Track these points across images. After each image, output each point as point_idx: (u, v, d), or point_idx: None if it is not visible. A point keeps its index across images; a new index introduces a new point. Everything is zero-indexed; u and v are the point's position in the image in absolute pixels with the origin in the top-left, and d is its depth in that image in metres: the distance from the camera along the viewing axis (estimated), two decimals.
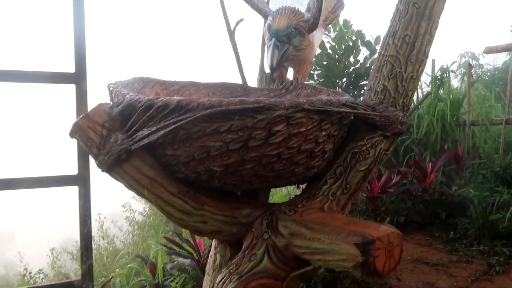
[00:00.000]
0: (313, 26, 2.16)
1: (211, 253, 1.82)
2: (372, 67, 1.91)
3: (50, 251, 5.20)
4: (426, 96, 4.19)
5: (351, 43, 4.88)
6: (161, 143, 1.42)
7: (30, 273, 3.34)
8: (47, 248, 5.63)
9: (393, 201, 3.16)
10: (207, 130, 1.32)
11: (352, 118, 1.62)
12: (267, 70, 2.18)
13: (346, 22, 4.87)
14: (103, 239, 7.08)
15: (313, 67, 4.80)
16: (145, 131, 1.40)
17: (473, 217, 2.83)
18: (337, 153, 1.63)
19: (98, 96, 1.73)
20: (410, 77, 1.68)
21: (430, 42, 1.73)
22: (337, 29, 4.89)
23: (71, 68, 1.54)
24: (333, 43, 4.84)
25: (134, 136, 1.42)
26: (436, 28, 1.75)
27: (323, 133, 1.44)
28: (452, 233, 2.86)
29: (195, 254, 2.90)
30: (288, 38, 2.07)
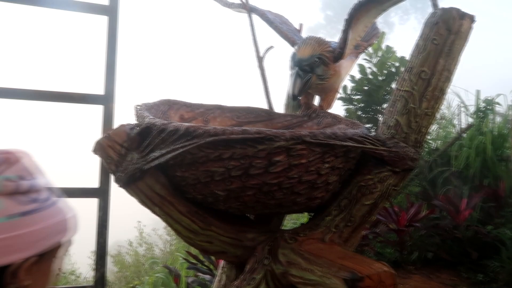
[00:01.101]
0: (338, 56, 2.19)
1: (218, 272, 1.88)
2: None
3: (90, 253, 5.49)
4: (467, 128, 4.02)
5: (393, 69, 4.81)
6: (172, 164, 1.52)
7: (64, 273, 3.57)
8: (90, 250, 5.95)
9: (422, 235, 3.04)
10: (211, 156, 1.40)
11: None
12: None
13: (388, 48, 4.82)
14: (141, 246, 7.33)
15: (353, 92, 4.78)
16: (157, 153, 1.50)
17: (505, 261, 2.66)
18: (344, 185, 1.64)
19: (126, 115, 1.87)
20: (425, 114, 1.66)
21: (448, 79, 1.70)
22: (379, 54, 4.85)
23: (100, 88, 1.70)
24: (375, 69, 4.80)
25: (148, 157, 1.53)
26: (455, 65, 1.72)
27: (326, 165, 1.46)
28: (481, 275, 2.69)
29: (215, 271, 2.97)
30: (311, 68, 2.12)
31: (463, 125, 4.49)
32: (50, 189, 0.61)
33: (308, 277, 1.36)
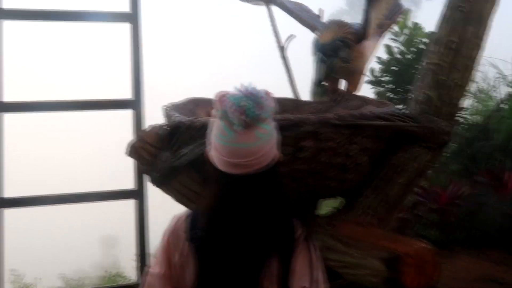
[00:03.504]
0: (361, 37, 2.14)
1: None
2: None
3: (135, 255, 5.66)
4: (507, 98, 3.82)
5: (422, 46, 4.65)
6: (203, 160, 1.53)
7: (113, 276, 3.73)
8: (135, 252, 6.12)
9: (466, 213, 2.93)
10: None
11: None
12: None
13: (415, 25, 4.66)
14: None
15: (381, 74, 4.66)
16: (186, 149, 1.53)
17: None
18: (377, 165, 1.61)
19: (156, 117, 1.92)
20: (456, 85, 1.60)
21: (478, 46, 1.63)
22: (406, 32, 4.69)
23: (129, 93, 1.76)
24: (402, 48, 4.66)
25: (177, 154, 1.56)
26: (486, 31, 1.64)
27: (355, 146, 1.44)
28: None
29: None
30: (334, 51, 2.08)
31: (503, 97, 4.27)
32: None
33: (347, 260, 1.35)
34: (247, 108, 0.86)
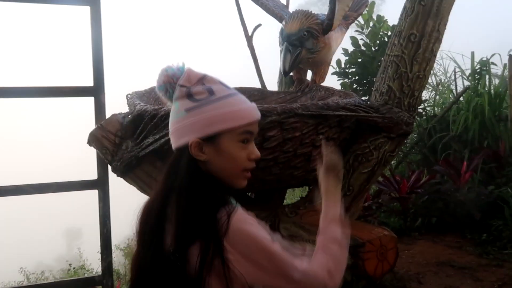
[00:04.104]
0: (327, 28, 2.16)
1: None
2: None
3: (99, 247, 5.51)
4: (464, 91, 3.98)
5: (386, 39, 4.75)
6: (167, 149, 1.51)
7: (73, 268, 3.63)
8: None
9: (425, 201, 3.06)
10: None
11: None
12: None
13: (379, 17, 4.75)
14: None
15: (347, 66, 4.74)
16: (151, 139, 1.50)
17: (508, 218, 2.68)
18: (341, 155, 1.64)
19: (119, 106, 1.86)
20: (416, 77, 1.65)
21: (438, 39, 1.68)
22: (371, 25, 4.78)
23: (90, 81, 1.68)
24: (367, 40, 4.74)
25: (142, 144, 1.53)
26: (445, 25, 1.70)
27: (321, 136, 1.46)
28: (485, 235, 2.71)
29: None
30: (300, 42, 2.09)
31: (460, 90, 4.45)
32: (214, 91, 0.83)
33: (311, 248, 1.37)
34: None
